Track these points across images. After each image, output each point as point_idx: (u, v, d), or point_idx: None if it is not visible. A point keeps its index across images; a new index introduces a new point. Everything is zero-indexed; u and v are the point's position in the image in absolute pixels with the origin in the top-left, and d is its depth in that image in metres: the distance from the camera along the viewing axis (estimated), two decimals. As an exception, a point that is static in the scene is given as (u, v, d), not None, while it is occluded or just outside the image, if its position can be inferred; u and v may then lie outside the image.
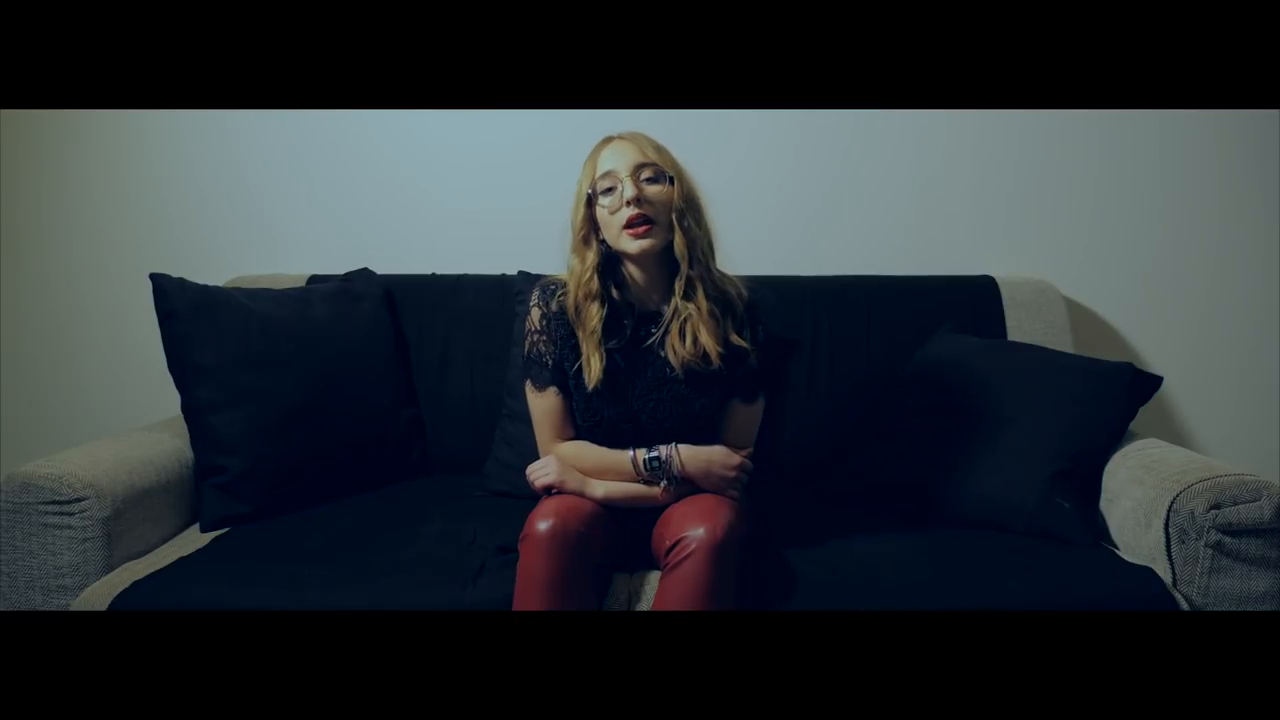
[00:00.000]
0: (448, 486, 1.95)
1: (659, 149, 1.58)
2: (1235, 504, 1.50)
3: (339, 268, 2.20)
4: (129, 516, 1.62)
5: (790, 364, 2.03)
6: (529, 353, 1.63)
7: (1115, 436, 1.78)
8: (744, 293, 1.62)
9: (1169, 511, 1.53)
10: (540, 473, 1.58)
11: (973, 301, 2.10)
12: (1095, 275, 2.29)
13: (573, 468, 1.57)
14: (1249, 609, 1.51)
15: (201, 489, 1.78)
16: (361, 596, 1.46)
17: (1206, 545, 1.50)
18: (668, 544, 1.42)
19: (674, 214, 1.55)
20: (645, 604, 1.49)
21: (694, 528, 1.39)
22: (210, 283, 1.91)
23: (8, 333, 2.38)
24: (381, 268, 2.18)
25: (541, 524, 1.40)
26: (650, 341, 1.60)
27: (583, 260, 1.58)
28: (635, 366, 1.59)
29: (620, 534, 1.55)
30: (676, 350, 1.57)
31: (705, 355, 1.56)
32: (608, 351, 1.57)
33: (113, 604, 1.46)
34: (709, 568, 1.37)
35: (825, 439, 1.99)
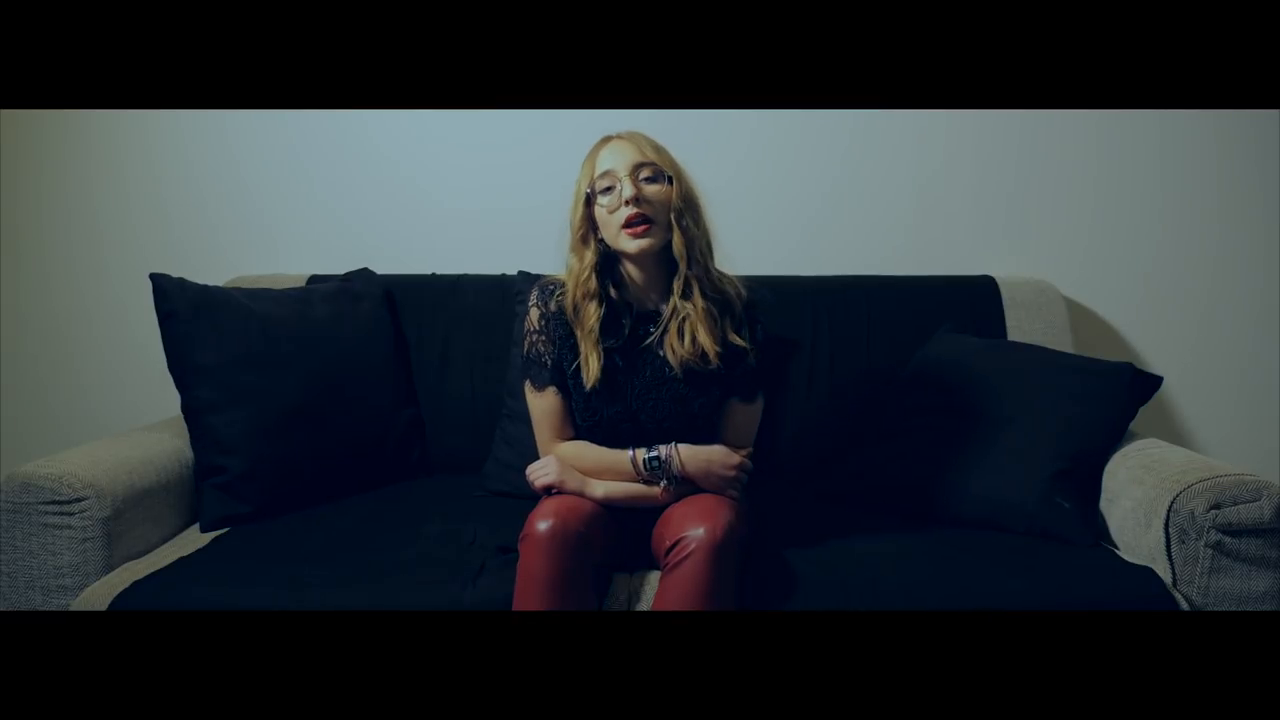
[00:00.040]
0: (448, 486, 1.95)
1: (658, 148, 1.58)
2: (1235, 504, 1.50)
3: (339, 268, 2.20)
4: (129, 516, 1.62)
5: (790, 364, 2.03)
6: (528, 353, 1.63)
7: (1115, 436, 1.78)
8: (743, 292, 1.62)
9: (1169, 511, 1.53)
10: (540, 473, 1.58)
11: (973, 301, 2.10)
12: (1095, 275, 2.29)
13: (572, 468, 1.57)
14: (1249, 609, 1.51)
15: (201, 489, 1.78)
16: (361, 596, 1.46)
17: (1206, 545, 1.50)
18: (667, 544, 1.42)
19: (672, 213, 1.55)
20: (645, 604, 1.49)
21: (694, 528, 1.39)
22: (210, 283, 1.91)
23: (8, 333, 2.38)
24: (381, 268, 2.18)
25: (541, 524, 1.40)
26: (649, 341, 1.60)
27: (581, 259, 1.58)
28: (634, 366, 1.60)
29: (620, 534, 1.55)
30: (675, 349, 1.57)
31: (704, 354, 1.56)
32: (606, 351, 1.57)
33: (113, 604, 1.46)
34: (709, 568, 1.37)
35: (825, 439, 1.99)
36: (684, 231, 1.55)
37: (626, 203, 1.52)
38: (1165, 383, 1.92)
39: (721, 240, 1.64)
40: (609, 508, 1.55)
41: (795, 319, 2.05)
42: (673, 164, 1.58)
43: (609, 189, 1.55)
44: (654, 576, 1.52)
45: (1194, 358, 2.30)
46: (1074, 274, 2.27)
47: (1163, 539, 1.54)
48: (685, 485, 1.57)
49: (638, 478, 1.56)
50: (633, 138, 1.58)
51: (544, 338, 1.62)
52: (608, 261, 1.61)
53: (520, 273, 2.05)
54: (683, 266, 1.56)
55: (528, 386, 1.64)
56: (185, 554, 1.60)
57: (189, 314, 1.79)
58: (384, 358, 2.03)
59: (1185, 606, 1.48)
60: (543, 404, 1.63)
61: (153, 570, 1.53)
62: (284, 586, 1.48)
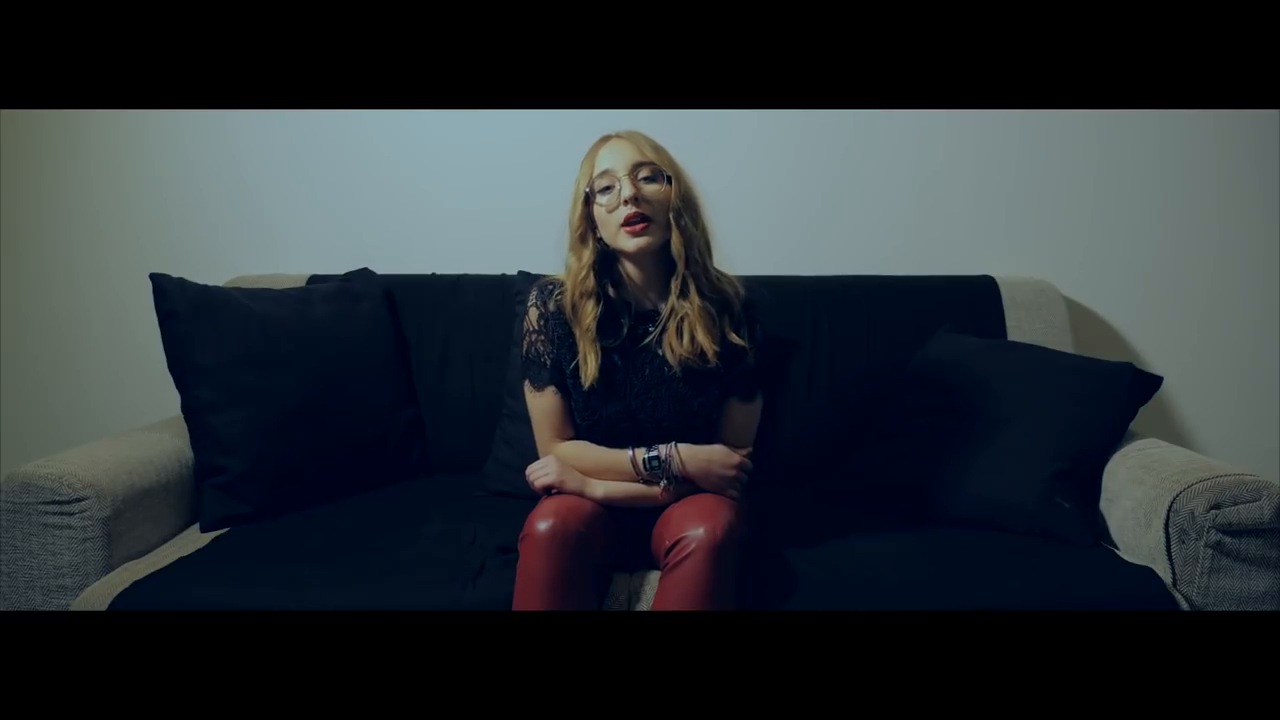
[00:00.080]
0: (448, 486, 1.95)
1: (656, 148, 1.59)
2: (1235, 504, 1.50)
3: (339, 268, 2.20)
4: (129, 516, 1.62)
5: (790, 364, 2.03)
6: (527, 352, 1.64)
7: (1115, 436, 1.78)
8: (741, 291, 1.63)
9: (1169, 511, 1.53)
10: (540, 473, 1.58)
11: (973, 301, 2.10)
12: (1095, 275, 2.29)
13: (572, 468, 1.57)
14: (1249, 609, 1.51)
15: (201, 489, 1.78)
16: (361, 596, 1.46)
17: (1206, 545, 1.50)
18: (667, 544, 1.42)
19: (671, 213, 1.55)
20: (645, 604, 1.49)
21: (694, 528, 1.39)
22: (210, 283, 1.91)
23: (8, 333, 2.38)
24: (381, 268, 2.18)
25: (541, 524, 1.40)
26: (647, 340, 1.60)
27: (579, 258, 1.58)
28: (633, 365, 1.60)
29: (620, 534, 1.55)
30: (674, 348, 1.57)
31: (702, 353, 1.56)
32: (604, 350, 1.58)
33: (113, 604, 1.46)
34: (709, 568, 1.37)
35: (825, 439, 1.99)
36: (682, 231, 1.55)
37: (625, 202, 1.52)
38: (1165, 383, 1.92)
39: (721, 240, 1.64)
40: (609, 508, 1.55)
41: (795, 319, 2.05)
42: (671, 164, 1.58)
43: (608, 188, 1.55)
44: (654, 576, 1.52)
45: (1194, 358, 2.30)
46: (1074, 274, 2.27)
47: (1163, 539, 1.54)
48: (685, 485, 1.57)
49: (637, 477, 1.56)
50: (632, 137, 1.59)
51: (543, 337, 1.62)
52: (606, 260, 1.61)
53: (520, 273, 2.05)
54: (681, 266, 1.56)
55: (527, 386, 1.64)
56: (185, 554, 1.60)
57: (189, 314, 1.79)
58: (384, 358, 2.03)
59: (1185, 606, 1.48)
60: (542, 404, 1.63)
61: (153, 570, 1.53)
62: (284, 586, 1.48)
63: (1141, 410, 1.82)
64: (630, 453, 1.56)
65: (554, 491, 1.55)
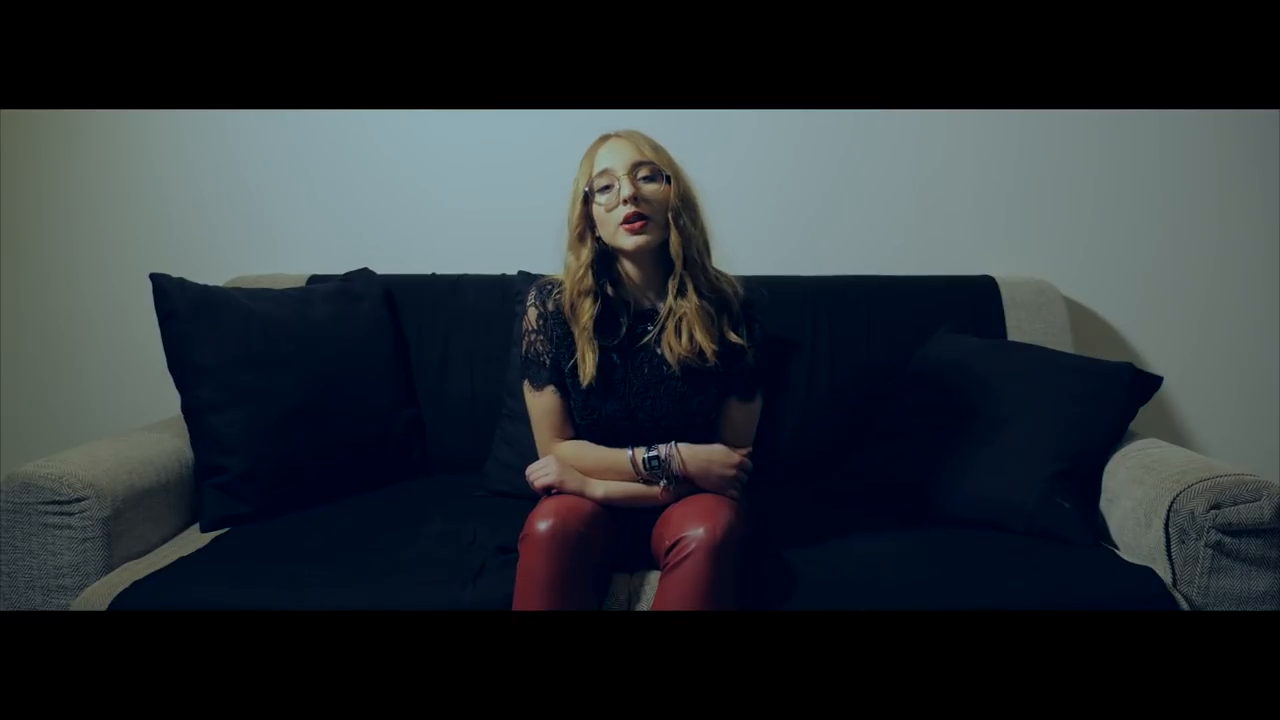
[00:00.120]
0: (448, 486, 1.95)
1: (656, 147, 1.59)
2: (1235, 504, 1.50)
3: (339, 268, 2.20)
4: (129, 516, 1.62)
5: (790, 364, 2.03)
6: (526, 352, 1.64)
7: (1115, 436, 1.77)
8: (740, 291, 1.63)
9: (1169, 511, 1.53)
10: (540, 473, 1.58)
11: (973, 301, 2.10)
12: (1095, 275, 2.29)
13: (572, 468, 1.57)
14: (1249, 609, 1.51)
15: (201, 489, 1.78)
16: (361, 596, 1.46)
17: (1206, 545, 1.50)
18: (667, 544, 1.42)
19: (670, 213, 1.55)
20: (645, 604, 1.49)
21: (694, 528, 1.39)
22: (210, 283, 1.91)
23: (8, 333, 2.38)
24: (381, 268, 2.18)
25: (541, 524, 1.40)
26: (646, 339, 1.60)
27: (578, 257, 1.59)
28: (632, 364, 1.60)
29: (620, 534, 1.55)
30: (673, 347, 1.57)
31: (701, 352, 1.56)
32: (603, 348, 1.58)
33: (113, 604, 1.46)
34: (709, 568, 1.37)
35: (825, 439, 1.99)
36: (681, 230, 1.55)
37: (624, 201, 1.53)
38: (1165, 383, 1.92)
39: (721, 240, 1.64)
40: (609, 508, 1.55)
41: (795, 319, 2.05)
42: (670, 163, 1.58)
43: (607, 187, 1.55)
44: (654, 576, 1.52)
45: (1194, 358, 2.30)
46: (1074, 274, 2.27)
47: (1163, 539, 1.54)
48: (685, 485, 1.57)
49: (637, 477, 1.56)
50: (631, 136, 1.59)
51: (542, 337, 1.62)
52: (605, 259, 1.61)
53: (520, 273, 2.05)
54: (679, 265, 1.57)
55: (526, 386, 1.64)
56: (185, 554, 1.60)
57: (189, 314, 1.79)
58: (384, 358, 2.03)
59: (1185, 606, 1.48)
60: (542, 403, 1.63)
61: (153, 570, 1.53)
62: (284, 586, 1.48)
63: (1141, 410, 1.82)
64: (630, 452, 1.56)
65: (554, 491, 1.55)
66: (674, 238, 1.55)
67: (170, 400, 1.84)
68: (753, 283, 1.67)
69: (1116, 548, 1.67)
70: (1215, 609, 1.52)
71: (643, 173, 1.55)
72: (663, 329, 1.59)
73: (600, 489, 1.56)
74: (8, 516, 1.54)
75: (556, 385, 1.62)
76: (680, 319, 1.57)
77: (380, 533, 1.68)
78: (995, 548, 1.62)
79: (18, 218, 2.35)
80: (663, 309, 1.60)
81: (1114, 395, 1.78)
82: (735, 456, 1.59)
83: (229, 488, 1.75)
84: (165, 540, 1.72)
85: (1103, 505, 1.73)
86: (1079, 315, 2.26)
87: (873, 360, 2.04)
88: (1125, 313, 2.30)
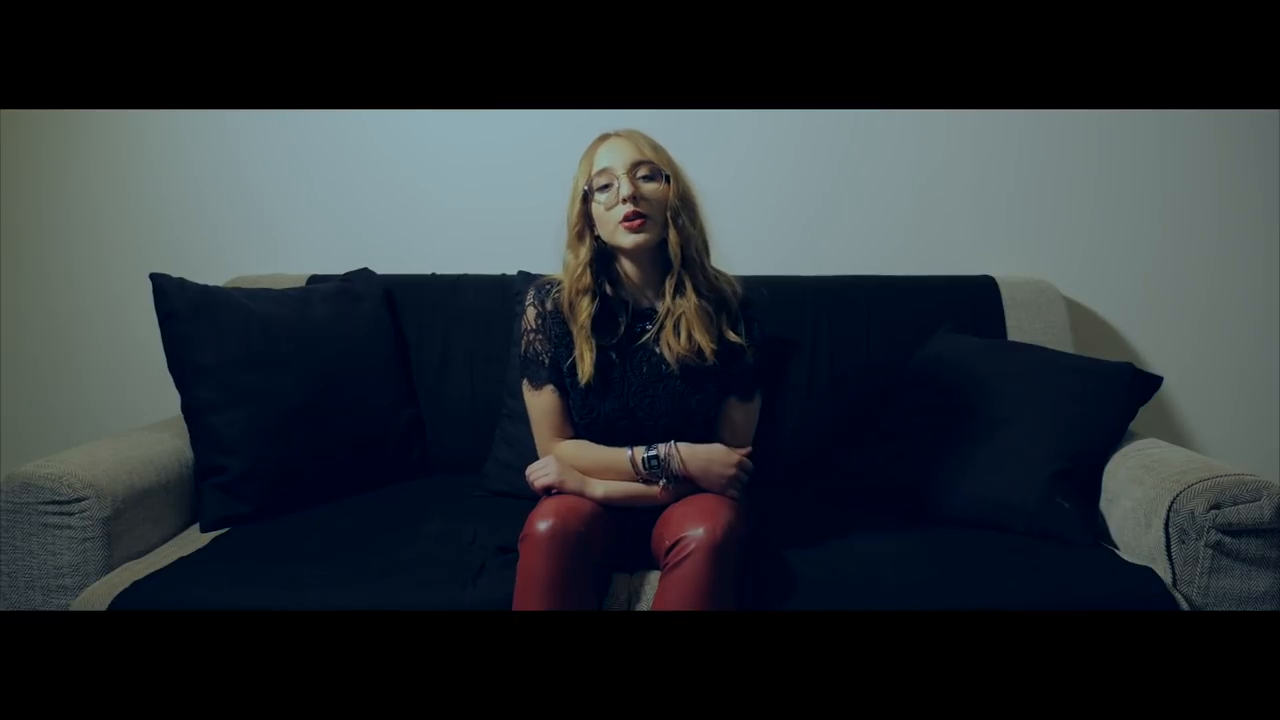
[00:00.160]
0: (448, 486, 1.95)
1: (655, 147, 1.59)
2: (1235, 504, 1.50)
3: (339, 268, 2.20)
4: (129, 516, 1.62)
5: (790, 364, 2.03)
6: (525, 352, 1.64)
7: (1115, 436, 1.77)
8: (739, 290, 1.63)
9: (1169, 511, 1.53)
10: (540, 473, 1.57)
11: (973, 301, 2.10)
12: (1095, 275, 2.29)
13: (572, 468, 1.57)
14: (1249, 609, 1.51)
15: (201, 489, 1.78)
16: (361, 596, 1.46)
17: (1206, 545, 1.50)
18: (667, 544, 1.42)
19: (669, 212, 1.55)
20: (645, 604, 1.49)
21: (694, 528, 1.39)
22: (210, 283, 1.91)
23: (8, 333, 2.38)
24: (381, 268, 2.18)
25: (541, 524, 1.39)
26: (645, 338, 1.60)
27: (576, 255, 1.59)
28: (631, 363, 1.60)
29: (620, 534, 1.55)
30: (672, 346, 1.57)
31: (700, 351, 1.56)
32: (602, 347, 1.58)
33: (113, 604, 1.46)
34: (709, 568, 1.37)
35: (825, 439, 1.99)
36: (680, 230, 1.55)
37: (624, 200, 1.53)
38: (1165, 383, 1.92)
39: (721, 240, 1.64)
40: (609, 507, 1.55)
41: (795, 319, 2.05)
42: (670, 163, 1.58)
43: (606, 186, 1.55)
44: (654, 576, 1.52)
45: (1194, 358, 2.30)
46: (1074, 274, 2.27)
47: (1163, 539, 1.54)
48: (685, 484, 1.56)
49: (637, 477, 1.56)
50: (630, 136, 1.59)
51: (541, 336, 1.62)
52: (603, 258, 1.61)
53: (520, 272, 2.05)
54: (677, 265, 1.57)
55: (526, 385, 1.64)
56: (185, 554, 1.60)
57: (189, 314, 1.79)
58: (384, 358, 2.03)
59: (1185, 606, 1.48)
60: (541, 403, 1.63)
61: (153, 570, 1.53)
62: (284, 586, 1.48)
63: (1141, 410, 1.82)
64: (629, 452, 1.56)
65: (554, 491, 1.55)
66: (673, 237, 1.55)
67: (170, 400, 1.84)
68: (752, 282, 1.67)
69: (1116, 548, 1.67)
70: (1215, 609, 1.52)
71: (642, 172, 1.55)
72: (661, 328, 1.59)
73: (600, 489, 1.56)
74: (8, 516, 1.54)
75: (556, 385, 1.62)
76: (679, 318, 1.57)
77: (380, 533, 1.68)
78: (995, 548, 1.62)
79: (18, 218, 2.35)
80: (661, 308, 1.60)
81: (1114, 395, 1.78)
82: (735, 456, 1.59)
83: (229, 488, 1.75)
84: (165, 540, 1.72)
85: (1103, 505, 1.73)
86: (1079, 315, 2.26)
87: (873, 360, 2.04)
88: (1125, 313, 2.30)
